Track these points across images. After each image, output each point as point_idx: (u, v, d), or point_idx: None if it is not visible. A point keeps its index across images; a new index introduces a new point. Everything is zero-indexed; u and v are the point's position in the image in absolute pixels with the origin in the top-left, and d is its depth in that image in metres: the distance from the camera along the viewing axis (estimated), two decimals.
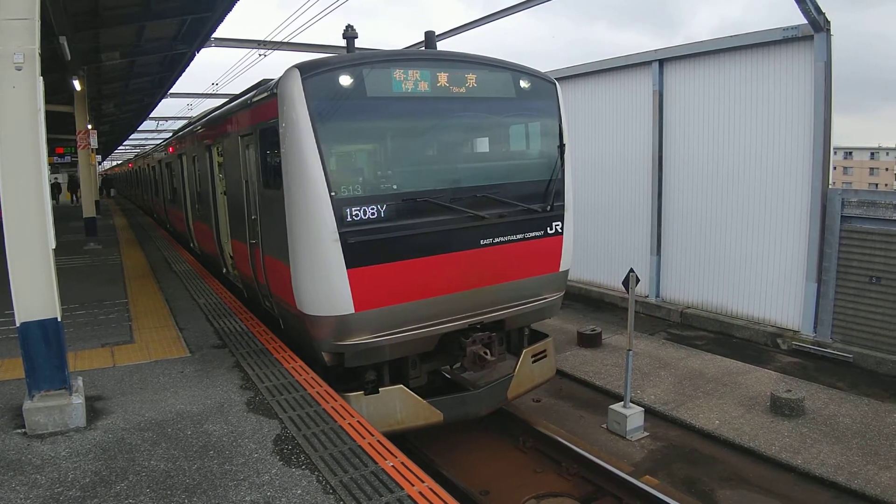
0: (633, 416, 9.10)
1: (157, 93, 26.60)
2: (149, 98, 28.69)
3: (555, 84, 8.59)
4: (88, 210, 20.08)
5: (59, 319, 5.43)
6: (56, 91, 19.09)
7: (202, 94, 28.58)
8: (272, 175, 7.50)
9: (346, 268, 6.66)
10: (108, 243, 18.85)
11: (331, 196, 6.54)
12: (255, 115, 8.05)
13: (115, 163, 79.25)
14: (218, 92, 26.38)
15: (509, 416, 9.35)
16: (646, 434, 9.12)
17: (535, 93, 8.36)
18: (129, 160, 53.21)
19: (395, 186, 7.33)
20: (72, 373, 5.80)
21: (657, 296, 15.51)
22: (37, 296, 5.30)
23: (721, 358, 11.86)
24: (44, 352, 5.40)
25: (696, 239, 14.59)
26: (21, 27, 4.99)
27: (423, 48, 8.73)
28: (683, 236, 14.89)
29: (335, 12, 15.07)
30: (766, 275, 13.16)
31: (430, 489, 4.40)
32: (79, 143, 19.98)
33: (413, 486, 4.44)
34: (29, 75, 5.03)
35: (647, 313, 15.31)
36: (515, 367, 8.56)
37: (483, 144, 8.59)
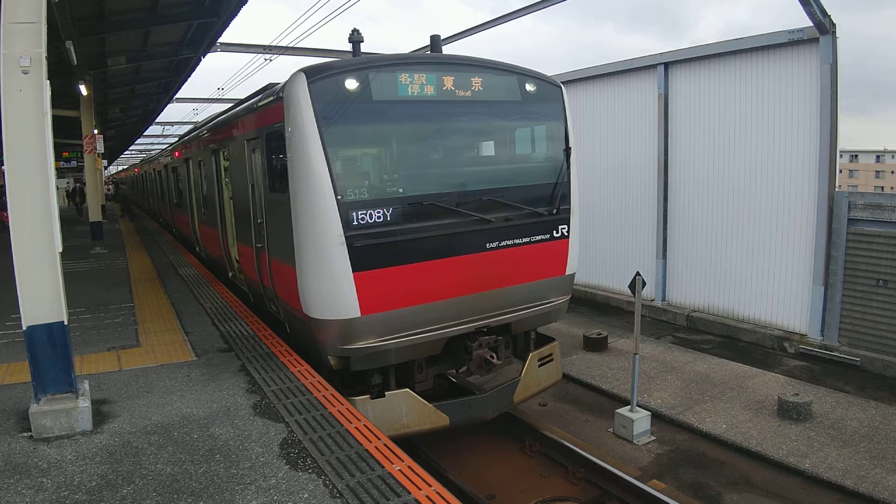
0: (640, 420, 9.07)
1: (162, 97, 26.66)
2: (155, 103, 28.76)
3: (560, 87, 8.58)
4: (94, 214, 20.15)
5: (66, 323, 5.44)
6: (62, 95, 19.18)
7: (208, 98, 28.64)
8: (278, 179, 7.51)
9: (353, 271, 6.65)
10: (114, 247, 18.91)
11: (337, 199, 6.54)
12: (261, 119, 8.06)
13: (120, 167, 79.58)
14: (224, 96, 26.45)
15: (515, 420, 9.32)
16: (653, 438, 9.08)
17: (541, 96, 8.35)
18: (134, 165, 53.44)
19: (400, 190, 7.34)
20: (78, 376, 5.81)
21: (663, 299, 15.48)
22: (43, 299, 5.31)
23: (728, 362, 11.81)
24: (50, 355, 5.41)
25: (702, 242, 14.56)
26: (28, 31, 5.01)
27: (429, 52, 8.73)
28: (689, 240, 14.85)
29: (340, 17, 15.11)
30: (772, 278, 13.11)
31: (437, 493, 4.38)
32: (85, 148, 20.08)
33: (420, 490, 4.42)
34: (36, 79, 5.05)
35: (653, 317, 15.28)
36: (522, 370, 8.53)
37: (489, 148, 8.58)
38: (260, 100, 8.24)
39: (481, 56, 8.09)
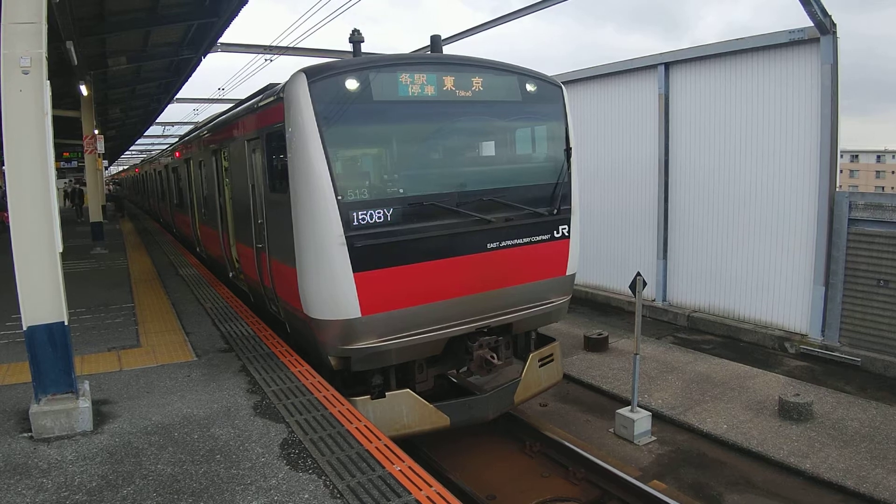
0: (641, 421, 9.06)
1: (163, 98, 26.68)
2: (155, 103, 28.78)
3: (561, 87, 8.57)
4: (95, 214, 20.17)
5: (66, 323, 5.44)
6: (63, 96, 19.19)
7: (208, 98, 28.65)
8: (279, 179, 7.51)
9: (353, 271, 6.65)
10: (114, 248, 18.91)
11: (337, 200, 6.54)
12: (262, 119, 8.06)
13: (120, 168, 79.67)
14: (224, 97, 26.46)
15: (516, 420, 9.32)
16: (653, 438, 9.08)
17: (541, 96, 8.35)
18: (134, 165, 53.47)
19: (401, 190, 7.33)
20: (78, 376, 5.81)
21: (664, 300, 15.47)
22: (44, 299, 5.31)
23: (728, 362, 11.80)
24: (50, 355, 5.40)
25: (702, 242, 14.55)
26: (28, 31, 5.01)
27: (429, 52, 8.73)
28: (690, 240, 14.85)
29: (340, 17, 15.08)
30: (773, 278, 13.11)
31: (438, 493, 4.38)
32: (85, 148, 20.08)
33: (420, 490, 4.42)
34: (36, 79, 5.05)
35: (653, 317, 15.27)
36: (522, 371, 8.52)
37: (489, 148, 8.57)
38: (260, 100, 8.24)
39: (481, 56, 8.09)
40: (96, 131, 20.74)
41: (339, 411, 5.84)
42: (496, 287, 7.79)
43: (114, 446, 5.26)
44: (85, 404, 5.59)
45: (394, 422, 7.26)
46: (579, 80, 17.19)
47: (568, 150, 8.45)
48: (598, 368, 11.70)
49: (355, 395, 7.15)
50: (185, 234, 17.94)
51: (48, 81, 5.13)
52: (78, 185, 39.24)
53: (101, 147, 21.51)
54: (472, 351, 7.76)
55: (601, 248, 17.11)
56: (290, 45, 17.73)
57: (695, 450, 8.78)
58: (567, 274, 8.60)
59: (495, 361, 7.75)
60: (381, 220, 6.84)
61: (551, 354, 9.03)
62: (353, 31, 7.90)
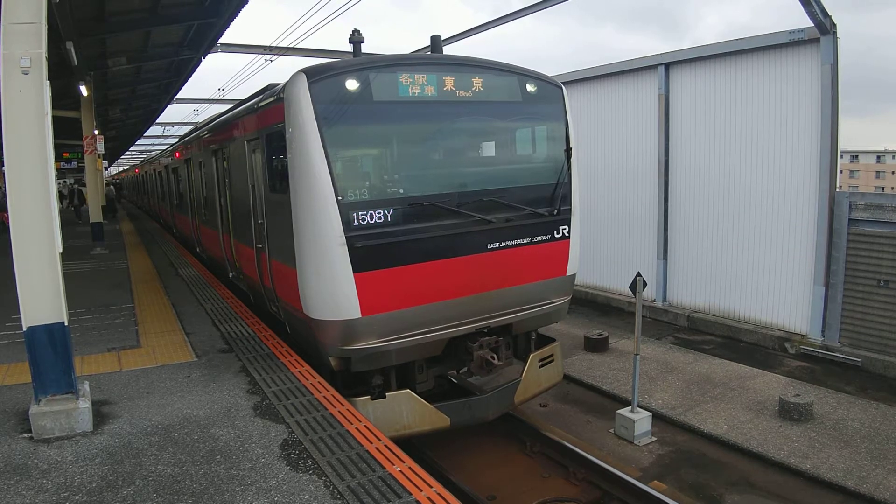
0: (641, 421, 9.06)
1: (163, 98, 26.62)
2: (155, 103, 28.73)
3: (561, 88, 8.57)
4: (95, 215, 20.16)
5: (66, 324, 5.43)
6: (63, 96, 19.17)
7: (208, 99, 28.63)
8: (279, 179, 7.51)
9: (353, 272, 6.65)
10: (114, 248, 18.91)
11: (337, 200, 6.54)
12: (262, 119, 8.06)
13: (120, 168, 79.67)
14: (224, 97, 26.45)
15: (516, 420, 9.31)
16: (654, 439, 9.07)
17: (542, 96, 8.35)
18: (135, 165, 53.47)
19: (401, 190, 7.33)
20: (78, 377, 5.81)
21: (664, 300, 15.46)
22: (44, 300, 5.31)
23: (729, 362, 11.80)
24: (50, 356, 5.40)
25: (703, 242, 14.54)
26: (28, 31, 5.00)
27: (430, 53, 8.73)
28: (690, 240, 14.84)
29: (341, 17, 15.07)
30: (773, 279, 13.09)
31: (438, 494, 4.38)
32: (85, 149, 20.06)
33: (421, 491, 4.42)
34: (36, 79, 5.05)
35: (654, 318, 15.26)
36: (522, 371, 8.52)
37: (489, 148, 8.57)
38: (260, 100, 8.23)
39: (482, 56, 8.09)
40: (96, 132, 20.73)
41: (340, 412, 5.84)
42: (496, 287, 7.78)
43: (114, 447, 5.26)
44: (85, 405, 5.59)
45: (394, 422, 7.25)
46: (580, 80, 17.18)
47: (568, 151, 8.45)
48: (598, 369, 11.69)
49: (355, 395, 7.15)
50: (185, 234, 17.94)
51: (48, 82, 5.12)
52: (77, 186, 38.96)
53: (101, 147, 21.49)
54: (472, 351, 7.76)
55: (601, 248, 17.10)
56: (290, 46, 17.71)
57: (695, 450, 8.77)
58: (567, 274, 8.60)
59: (495, 362, 7.75)
60: (382, 220, 6.84)
61: (551, 355, 9.03)
62: (353, 31, 7.90)
